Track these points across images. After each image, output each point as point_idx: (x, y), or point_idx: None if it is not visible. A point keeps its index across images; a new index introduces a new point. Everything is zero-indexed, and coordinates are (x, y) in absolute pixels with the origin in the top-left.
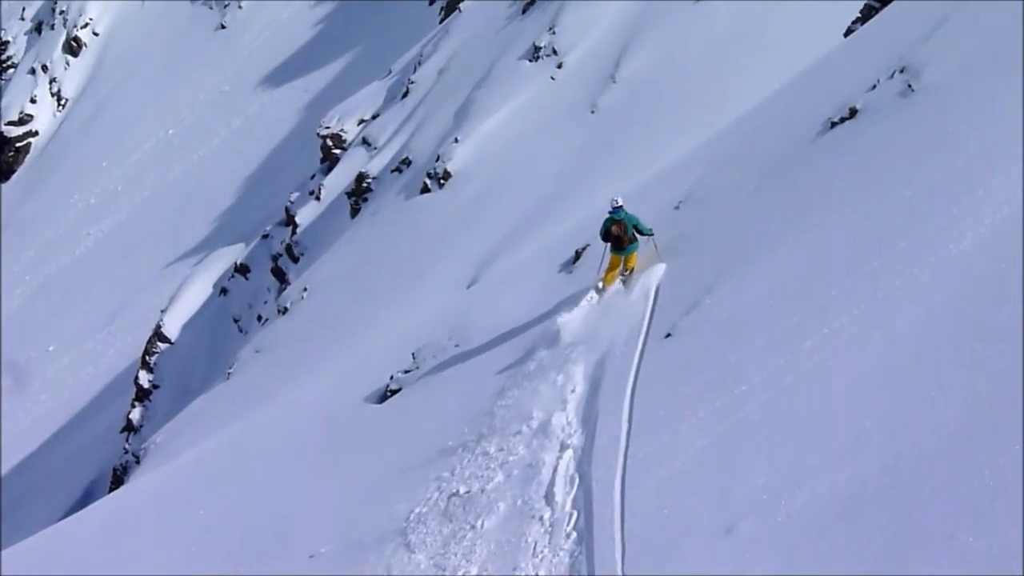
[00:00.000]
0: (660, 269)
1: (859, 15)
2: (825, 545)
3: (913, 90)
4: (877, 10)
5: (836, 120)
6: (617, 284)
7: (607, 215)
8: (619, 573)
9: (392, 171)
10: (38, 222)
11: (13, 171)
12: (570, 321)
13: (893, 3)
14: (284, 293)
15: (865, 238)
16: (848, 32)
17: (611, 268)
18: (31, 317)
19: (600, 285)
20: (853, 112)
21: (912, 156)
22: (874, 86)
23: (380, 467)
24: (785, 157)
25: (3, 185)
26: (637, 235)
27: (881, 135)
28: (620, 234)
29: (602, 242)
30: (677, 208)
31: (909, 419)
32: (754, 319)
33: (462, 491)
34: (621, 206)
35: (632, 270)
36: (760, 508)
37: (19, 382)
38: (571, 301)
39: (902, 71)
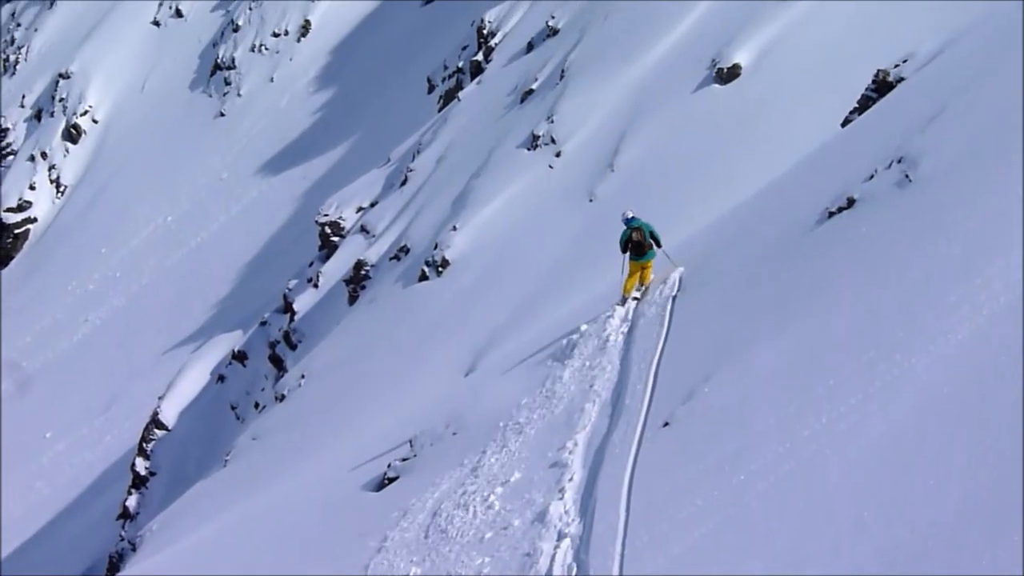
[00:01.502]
0: (678, 272)
1: (856, 105)
2: None
3: (910, 180)
4: (874, 100)
5: (834, 210)
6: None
7: (624, 228)
8: None
9: (390, 259)
10: (36, 308)
11: (11, 257)
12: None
13: (890, 93)
14: (281, 380)
15: (863, 327)
16: (846, 122)
17: (631, 275)
18: (27, 403)
19: (623, 295)
20: (851, 202)
21: (909, 245)
22: (871, 176)
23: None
24: (783, 245)
25: (2, 271)
26: (653, 243)
27: (879, 224)
28: (640, 240)
29: (621, 253)
30: (674, 299)
31: (907, 507)
32: (752, 407)
33: None
34: (635, 216)
35: (647, 287)
36: None
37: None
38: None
39: (899, 161)
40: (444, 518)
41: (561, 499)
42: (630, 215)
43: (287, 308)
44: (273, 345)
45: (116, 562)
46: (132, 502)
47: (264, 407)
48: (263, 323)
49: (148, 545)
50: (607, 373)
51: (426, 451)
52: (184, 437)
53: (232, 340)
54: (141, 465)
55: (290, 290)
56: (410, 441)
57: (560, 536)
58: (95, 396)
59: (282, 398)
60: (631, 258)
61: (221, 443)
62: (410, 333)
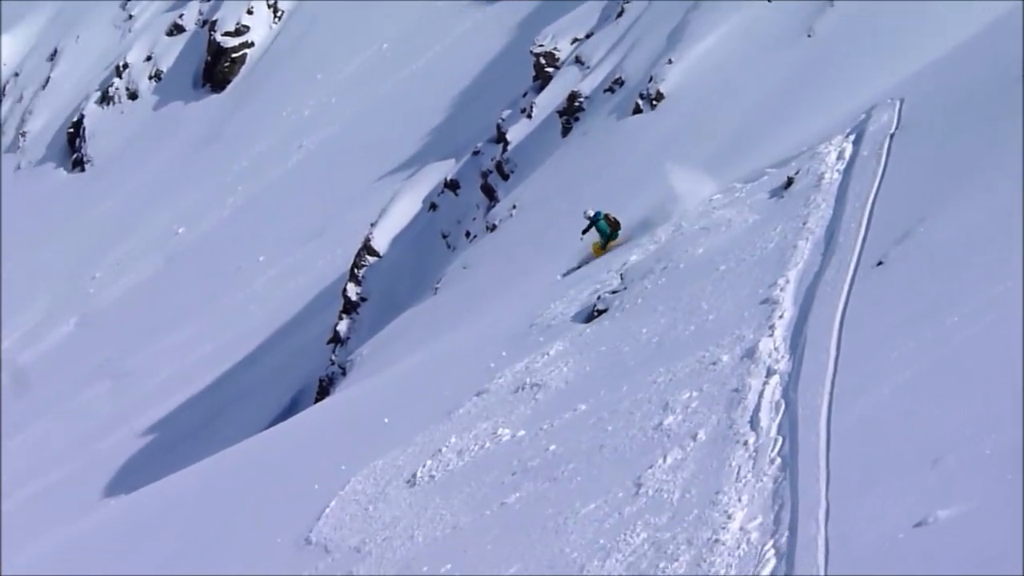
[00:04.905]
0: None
1: None
2: None
3: None
4: None
5: None
6: None
7: (600, 220)
8: (823, 500)
9: (604, 91)
10: (250, 133)
11: (228, 82)
12: None
13: None
14: (493, 210)
15: None
16: None
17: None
18: (242, 227)
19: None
20: None
21: None
22: None
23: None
24: (1006, 90)
25: (217, 96)
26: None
27: None
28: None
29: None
30: (892, 136)
31: None
32: (965, 252)
33: (664, 413)
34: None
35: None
36: (966, 442)
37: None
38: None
39: None
40: (649, 352)
41: (771, 336)
42: (592, 212)
43: (500, 138)
44: (485, 175)
45: (326, 385)
46: (343, 327)
47: (475, 236)
48: (476, 152)
49: (358, 370)
50: (821, 211)
51: (636, 284)
52: (395, 264)
53: (445, 169)
54: (352, 291)
55: (503, 120)
56: (621, 274)
57: (769, 373)
58: (307, 222)
59: (493, 228)
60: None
61: (431, 271)
62: (622, 166)
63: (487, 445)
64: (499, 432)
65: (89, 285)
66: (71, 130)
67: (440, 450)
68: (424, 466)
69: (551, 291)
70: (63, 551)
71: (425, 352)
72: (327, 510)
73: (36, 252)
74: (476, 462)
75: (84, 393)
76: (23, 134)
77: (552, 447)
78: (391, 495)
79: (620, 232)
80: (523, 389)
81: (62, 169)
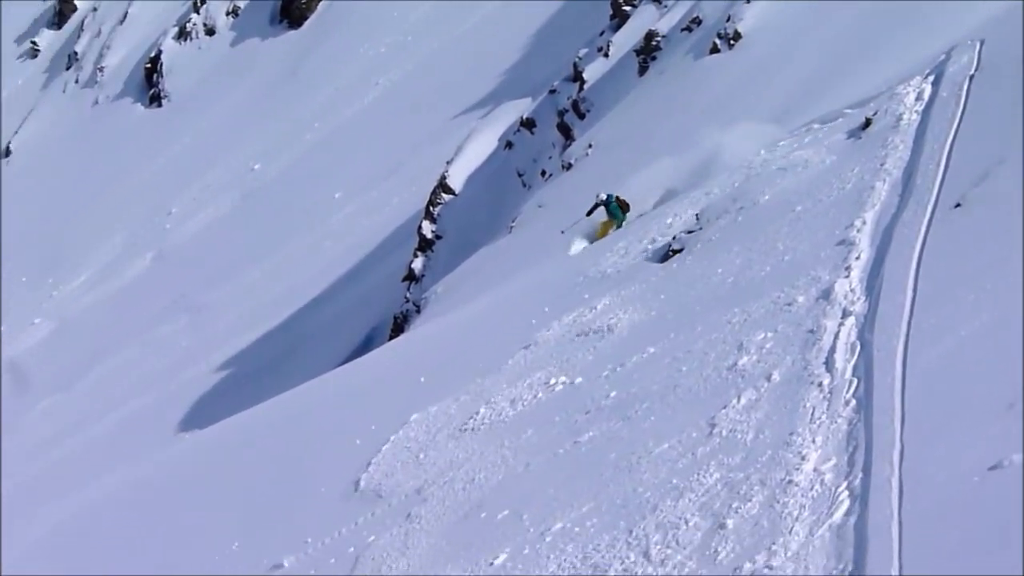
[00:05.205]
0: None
1: None
2: None
3: None
4: None
5: None
6: None
7: (612, 203)
8: (897, 442)
9: (681, 30)
10: (327, 70)
11: (305, 18)
12: None
13: None
14: (569, 149)
15: None
16: None
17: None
18: (318, 164)
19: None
20: None
21: None
22: None
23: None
24: None
25: (294, 32)
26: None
27: None
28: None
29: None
30: (971, 77)
31: None
32: None
33: (739, 354)
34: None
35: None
36: None
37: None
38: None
39: None
40: (724, 292)
41: (847, 277)
42: (604, 196)
43: (576, 77)
44: (561, 114)
45: (401, 323)
46: (418, 264)
47: (551, 175)
48: (552, 91)
49: (433, 307)
50: (899, 152)
51: (712, 225)
52: (470, 202)
53: (521, 107)
54: (427, 228)
55: (580, 59)
56: (696, 215)
57: (844, 314)
58: (383, 160)
59: (569, 167)
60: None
61: (507, 209)
62: (698, 107)
63: (558, 386)
64: (560, 379)
65: (166, 221)
66: (148, 65)
67: (492, 399)
68: (478, 413)
69: (623, 232)
70: (131, 487)
71: (495, 293)
72: (378, 456)
73: (113, 187)
74: (539, 406)
75: (160, 328)
76: (101, 69)
77: (628, 388)
78: (440, 443)
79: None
80: (589, 334)
81: (139, 104)
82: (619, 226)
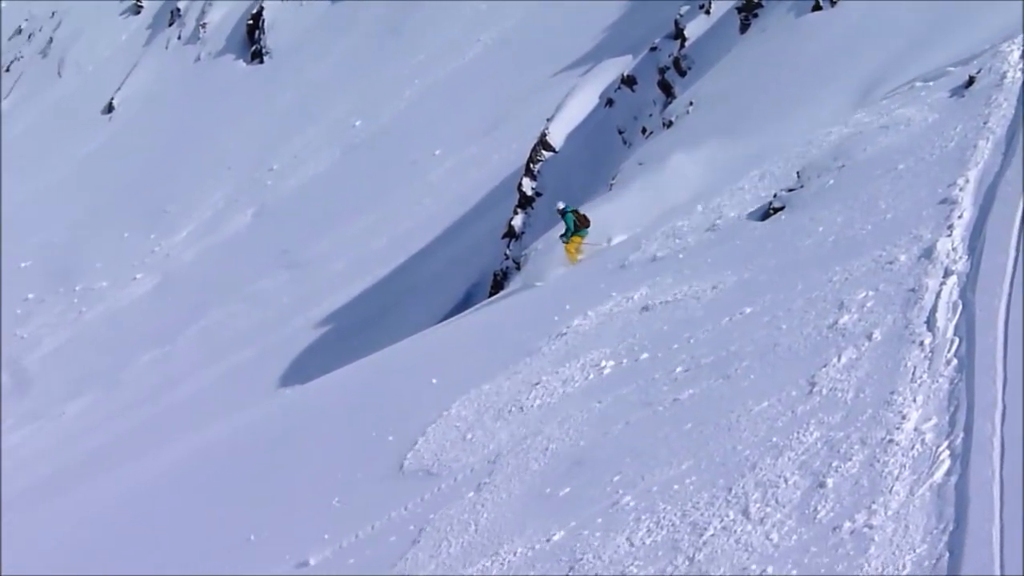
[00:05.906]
0: None
1: None
2: None
3: None
4: None
5: None
6: None
7: (568, 213)
8: (999, 401)
9: None
10: (428, 26)
11: None
12: None
13: None
14: (669, 107)
15: None
16: None
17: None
18: (418, 120)
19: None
20: None
21: None
22: None
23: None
24: None
25: None
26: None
27: None
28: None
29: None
30: None
31: None
32: None
33: (839, 312)
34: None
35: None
36: None
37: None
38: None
39: None
40: (825, 251)
41: (949, 236)
42: (562, 205)
43: (678, 34)
44: (663, 71)
45: (500, 280)
46: (518, 221)
47: (651, 132)
48: (653, 48)
49: (532, 263)
50: (1003, 110)
51: (813, 183)
52: (570, 159)
53: (621, 64)
54: (528, 185)
55: (681, 16)
56: (797, 172)
57: (946, 273)
58: (483, 116)
59: (669, 124)
60: (580, 234)
61: (607, 166)
62: (800, 64)
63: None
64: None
65: (267, 177)
66: (250, 22)
67: (543, 380)
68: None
69: (720, 188)
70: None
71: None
72: (427, 432)
73: (215, 143)
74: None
75: (261, 282)
76: (203, 25)
77: (727, 347)
78: (503, 418)
79: (588, 230)
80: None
81: (241, 61)
82: (568, 240)
